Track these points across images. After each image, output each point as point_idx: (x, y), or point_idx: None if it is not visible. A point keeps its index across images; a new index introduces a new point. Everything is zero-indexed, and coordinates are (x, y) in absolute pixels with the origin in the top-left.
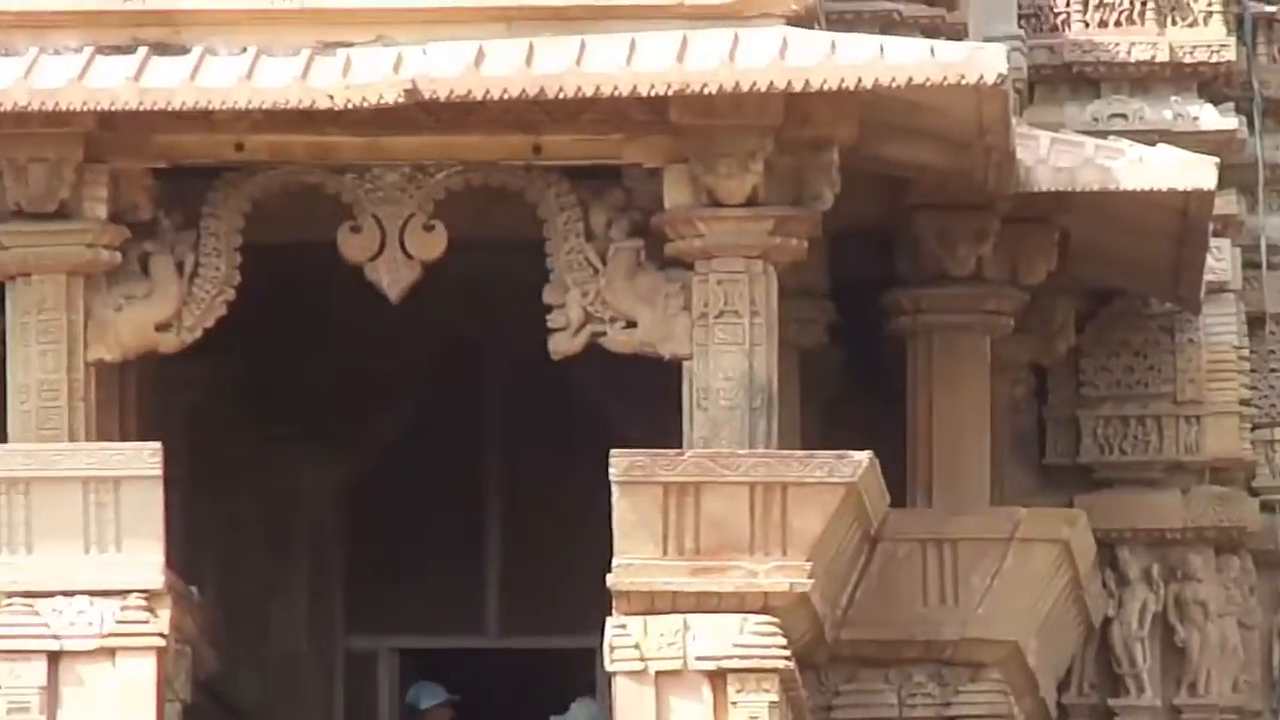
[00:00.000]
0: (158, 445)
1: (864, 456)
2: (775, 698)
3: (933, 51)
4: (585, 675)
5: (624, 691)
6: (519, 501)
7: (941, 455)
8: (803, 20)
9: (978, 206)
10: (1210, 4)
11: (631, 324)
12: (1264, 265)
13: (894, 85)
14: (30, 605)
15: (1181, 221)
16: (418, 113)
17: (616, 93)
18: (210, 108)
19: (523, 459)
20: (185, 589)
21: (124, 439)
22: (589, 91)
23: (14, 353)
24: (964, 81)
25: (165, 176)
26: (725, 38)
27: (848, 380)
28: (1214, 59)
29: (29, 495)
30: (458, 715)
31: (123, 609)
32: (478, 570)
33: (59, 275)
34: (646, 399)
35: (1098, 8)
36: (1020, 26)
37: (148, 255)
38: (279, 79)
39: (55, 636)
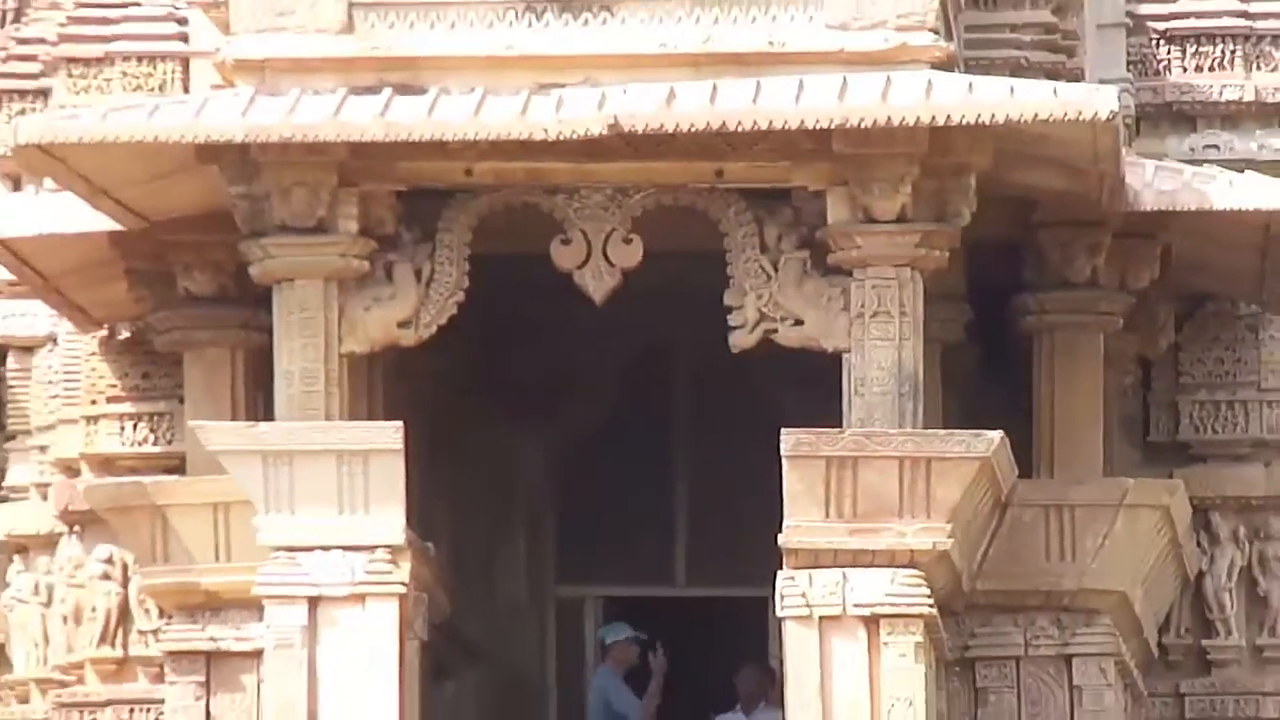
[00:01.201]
0: (399, 424)
1: (996, 435)
2: (920, 639)
3: (1055, 92)
4: (756, 621)
5: (792, 634)
6: (703, 473)
7: (1061, 434)
8: (945, 65)
9: (1093, 223)
10: None
11: (799, 322)
12: None
13: (1022, 120)
14: (293, 558)
15: (1265, 236)
16: (618, 143)
17: (787, 126)
18: (444, 139)
19: (706, 438)
20: (422, 545)
21: (370, 419)
22: (764, 125)
23: (279, 346)
24: (1082, 117)
25: (406, 197)
26: (879, 80)
27: (982, 371)
28: None
29: (292, 466)
30: (644, 653)
31: (370, 561)
32: (668, 530)
33: (317, 280)
34: (811, 386)
35: (1194, 55)
36: (1129, 71)
37: (391, 264)
38: (502, 115)
39: (314, 584)
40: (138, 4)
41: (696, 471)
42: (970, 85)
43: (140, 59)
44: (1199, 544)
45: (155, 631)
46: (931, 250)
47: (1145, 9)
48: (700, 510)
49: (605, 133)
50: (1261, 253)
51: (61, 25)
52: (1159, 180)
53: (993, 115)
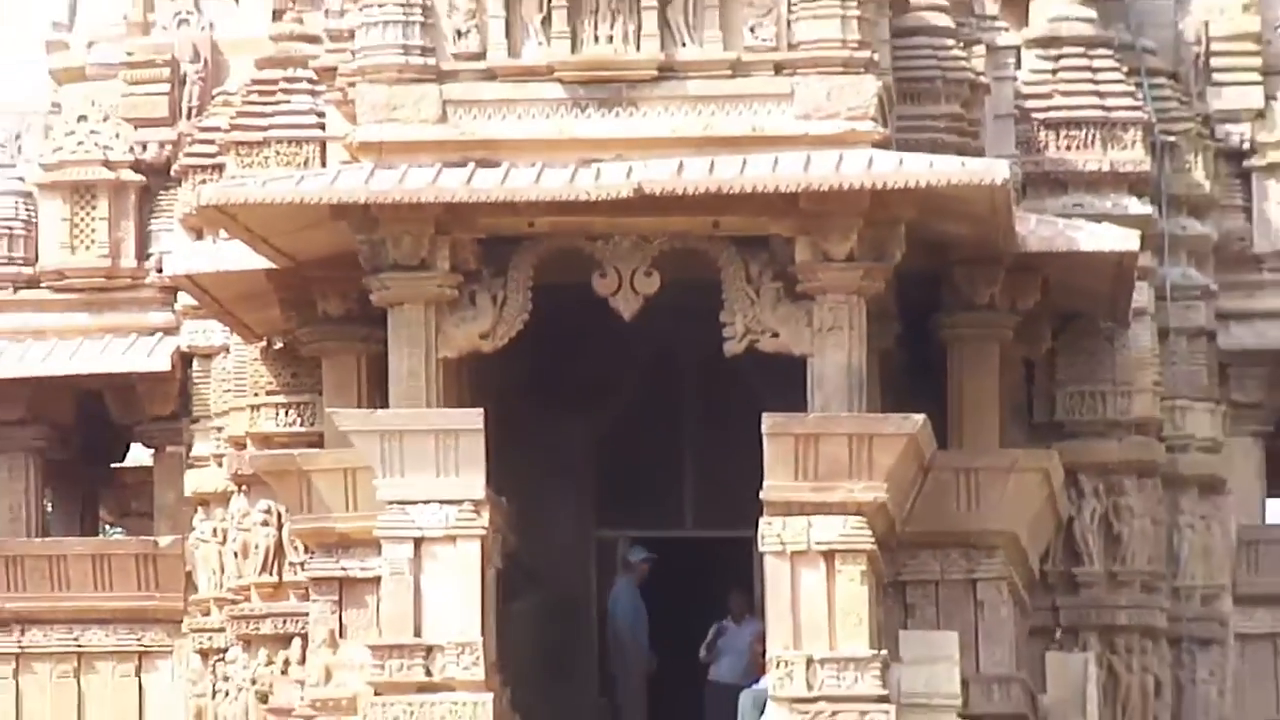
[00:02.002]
0: (480, 410)
1: (920, 418)
2: (864, 568)
3: (963, 164)
4: (744, 555)
5: (770, 564)
6: (705, 446)
7: (968, 417)
8: (882, 144)
9: (991, 261)
10: (1135, 136)
11: (775, 334)
12: (1168, 298)
13: (939, 185)
14: (403, 509)
15: (1117, 270)
16: (642, 203)
17: (765, 190)
18: (513, 200)
19: (708, 420)
20: (497, 498)
21: (459, 407)
22: (749, 189)
23: (393, 353)
24: (982, 183)
25: (485, 243)
26: (834, 156)
27: (908, 370)
28: (1137, 170)
29: (402, 441)
30: (655, 574)
31: (460, 511)
32: (679, 488)
33: (420, 305)
34: (785, 381)
35: (1065, 137)
36: (1017, 149)
37: (474, 292)
38: (556, 182)
39: (419, 528)
40: (288, 101)
41: (700, 445)
42: (900, 160)
43: (290, 142)
44: (1069, 497)
45: (301, 563)
46: (872, 281)
47: (1029, 104)
48: (703, 473)
49: (632, 195)
50: (1114, 282)
51: (232, 118)
52: (1040, 229)
53: (917, 182)
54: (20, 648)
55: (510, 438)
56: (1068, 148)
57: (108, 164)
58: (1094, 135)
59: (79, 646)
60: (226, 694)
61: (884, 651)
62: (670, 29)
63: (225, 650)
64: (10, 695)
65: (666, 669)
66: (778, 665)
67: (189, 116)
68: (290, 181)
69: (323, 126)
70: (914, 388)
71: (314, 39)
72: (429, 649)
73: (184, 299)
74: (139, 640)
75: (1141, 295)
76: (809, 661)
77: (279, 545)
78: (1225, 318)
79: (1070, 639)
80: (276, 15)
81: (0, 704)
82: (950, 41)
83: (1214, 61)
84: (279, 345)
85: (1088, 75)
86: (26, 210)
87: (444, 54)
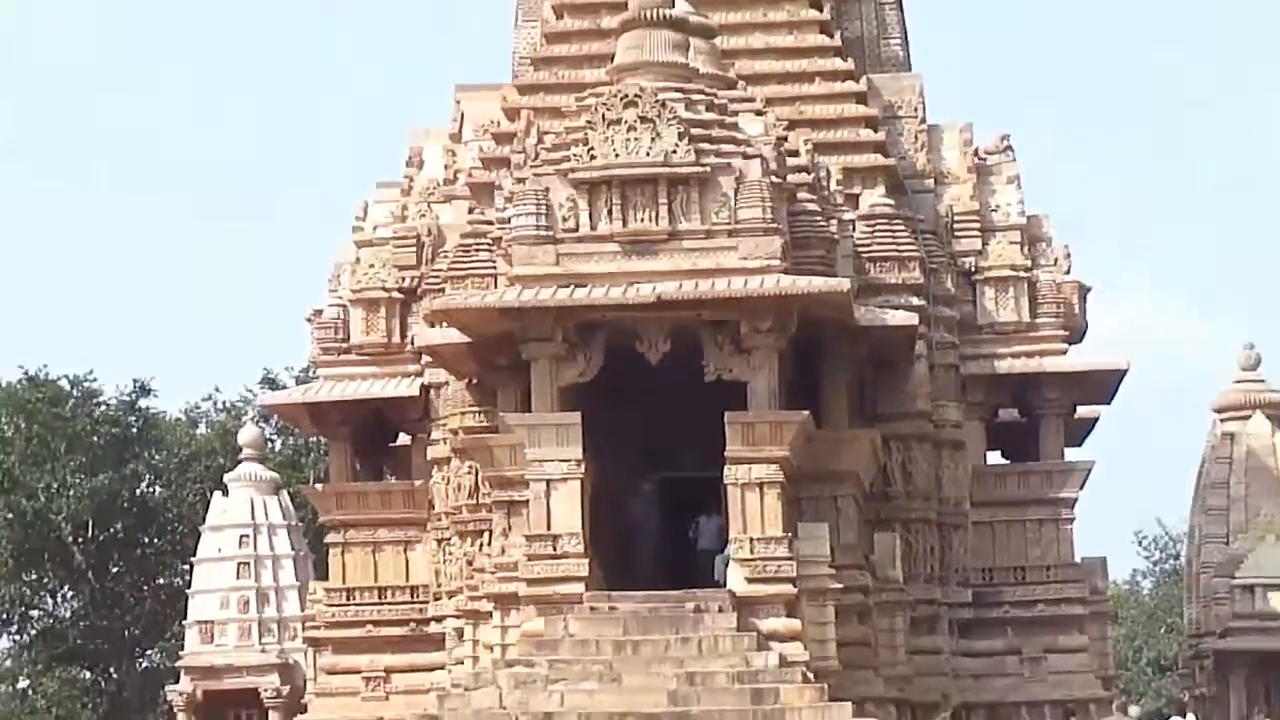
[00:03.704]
0: (579, 413)
1: (806, 413)
2: (779, 492)
3: (825, 281)
4: (716, 484)
5: (731, 491)
6: (697, 427)
7: (831, 413)
8: (785, 272)
9: (843, 331)
10: (915, 265)
11: (731, 370)
12: (933, 348)
13: (815, 291)
14: (540, 464)
15: (907, 335)
16: (661, 305)
17: (725, 296)
18: (593, 305)
19: (698, 413)
20: (588, 459)
21: (570, 411)
22: (717, 296)
23: (534, 385)
24: (837, 291)
25: (580, 326)
26: (760, 279)
27: (800, 389)
28: (916, 283)
29: (539, 430)
30: (670, 495)
31: (569, 466)
32: (683, 448)
33: (547, 359)
34: (739, 395)
35: (879, 267)
36: (854, 274)
37: (575, 352)
38: (616, 295)
39: (549, 475)
40: (476, 256)
41: (694, 427)
42: (794, 280)
43: (478, 277)
44: (885, 453)
45: (489, 493)
46: (780, 343)
47: (860, 249)
48: (696, 441)
49: (655, 300)
50: (905, 341)
51: (448, 265)
52: (867, 313)
53: (803, 290)
54: (344, 540)
55: (595, 427)
56: (880, 272)
57: (384, 289)
58: (894, 265)
59: (374, 539)
60: (450, 562)
61: (790, 534)
62: (674, 213)
63: (450, 539)
64: (340, 565)
65: (675, 544)
66: (735, 541)
67: (426, 264)
68: (479, 297)
69: (495, 268)
70: (803, 398)
71: (489, 222)
72: (555, 537)
73: (425, 358)
74: (405, 535)
75: (919, 347)
76: (751, 540)
77: (477, 484)
78: (964, 358)
79: (885, 526)
80: (470, 210)
81: (334, 570)
82: (819, 217)
83: (955, 226)
84: (475, 381)
85: (890, 234)
86: (343, 314)
87: (556, 229)
